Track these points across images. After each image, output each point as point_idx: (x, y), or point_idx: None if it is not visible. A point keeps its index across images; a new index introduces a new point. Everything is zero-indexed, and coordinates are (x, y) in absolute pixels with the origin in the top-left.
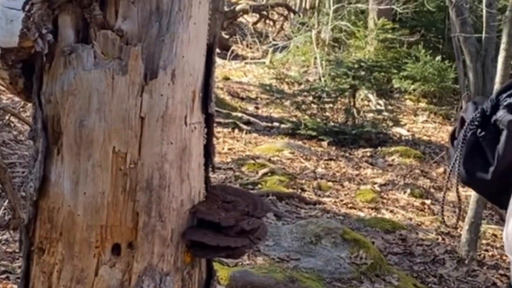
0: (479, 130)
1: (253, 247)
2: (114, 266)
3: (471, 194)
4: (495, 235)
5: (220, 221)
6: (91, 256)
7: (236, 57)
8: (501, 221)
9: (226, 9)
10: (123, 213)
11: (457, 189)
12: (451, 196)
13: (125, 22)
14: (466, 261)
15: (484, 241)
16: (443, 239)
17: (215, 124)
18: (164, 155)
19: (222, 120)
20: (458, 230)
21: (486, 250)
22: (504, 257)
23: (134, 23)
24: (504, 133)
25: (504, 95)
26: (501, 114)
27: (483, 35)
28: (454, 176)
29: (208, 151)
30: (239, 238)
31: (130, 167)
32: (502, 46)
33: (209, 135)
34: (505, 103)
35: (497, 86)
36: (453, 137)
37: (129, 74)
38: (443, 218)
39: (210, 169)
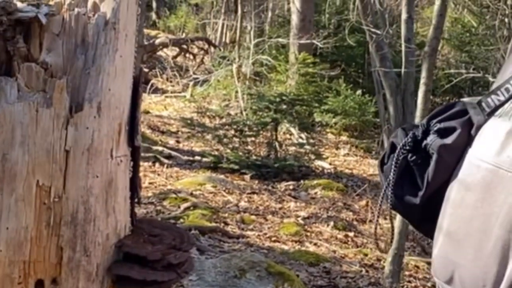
0: (410, 155)
1: (180, 280)
2: None
3: (395, 226)
4: (418, 267)
5: (147, 255)
6: None
7: (156, 90)
8: (423, 252)
9: (145, 42)
10: (46, 248)
11: (390, 212)
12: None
13: (49, 55)
14: None
15: (407, 273)
16: (367, 271)
17: None
18: (90, 189)
19: (142, 154)
20: (382, 262)
21: (409, 282)
22: None
23: (59, 55)
24: (434, 157)
25: (435, 120)
26: (432, 138)
27: (403, 69)
28: (385, 201)
29: (134, 184)
30: (166, 272)
31: (54, 201)
32: (422, 80)
33: (135, 168)
34: (435, 128)
35: (417, 120)
36: (382, 163)
37: (54, 107)
38: (377, 243)
39: (136, 202)
